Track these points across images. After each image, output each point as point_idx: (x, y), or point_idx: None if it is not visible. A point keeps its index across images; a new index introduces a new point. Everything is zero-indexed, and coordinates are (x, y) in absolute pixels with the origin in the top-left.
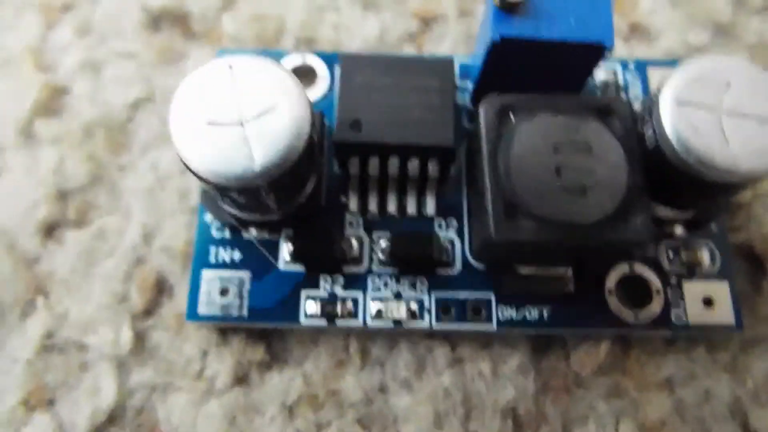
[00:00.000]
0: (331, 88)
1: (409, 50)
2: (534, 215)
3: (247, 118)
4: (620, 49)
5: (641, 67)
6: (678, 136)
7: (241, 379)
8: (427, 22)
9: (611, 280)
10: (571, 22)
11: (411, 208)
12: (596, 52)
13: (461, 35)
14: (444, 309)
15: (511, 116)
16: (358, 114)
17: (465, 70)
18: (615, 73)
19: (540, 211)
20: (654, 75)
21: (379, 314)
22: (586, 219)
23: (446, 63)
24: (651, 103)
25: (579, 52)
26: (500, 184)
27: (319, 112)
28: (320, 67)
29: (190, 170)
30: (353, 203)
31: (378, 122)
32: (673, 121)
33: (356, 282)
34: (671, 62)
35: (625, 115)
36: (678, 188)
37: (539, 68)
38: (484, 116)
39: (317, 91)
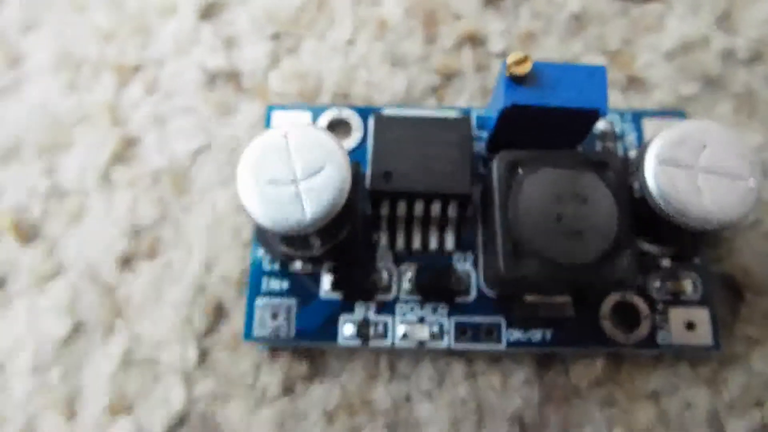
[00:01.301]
0: (364, 139)
1: (431, 103)
2: (537, 255)
3: (299, 178)
4: (618, 100)
5: (636, 118)
6: (659, 190)
7: (288, 390)
8: (448, 77)
9: (605, 307)
10: (572, 92)
11: (433, 244)
12: (593, 116)
13: (478, 88)
14: (461, 331)
15: (519, 170)
16: (389, 166)
17: (481, 121)
18: (612, 124)
19: (542, 251)
20: (648, 125)
21: (405, 336)
22: (581, 259)
23: (464, 121)
24: (638, 159)
25: (578, 116)
26: (509, 228)
27: (355, 162)
28: (354, 120)
29: (255, 221)
30: (384, 240)
31: (406, 173)
32: (655, 177)
33: (386, 308)
34: (664, 113)
35: (617, 169)
36: (662, 231)
37: (544, 128)
38: (496, 170)
39: (352, 141)
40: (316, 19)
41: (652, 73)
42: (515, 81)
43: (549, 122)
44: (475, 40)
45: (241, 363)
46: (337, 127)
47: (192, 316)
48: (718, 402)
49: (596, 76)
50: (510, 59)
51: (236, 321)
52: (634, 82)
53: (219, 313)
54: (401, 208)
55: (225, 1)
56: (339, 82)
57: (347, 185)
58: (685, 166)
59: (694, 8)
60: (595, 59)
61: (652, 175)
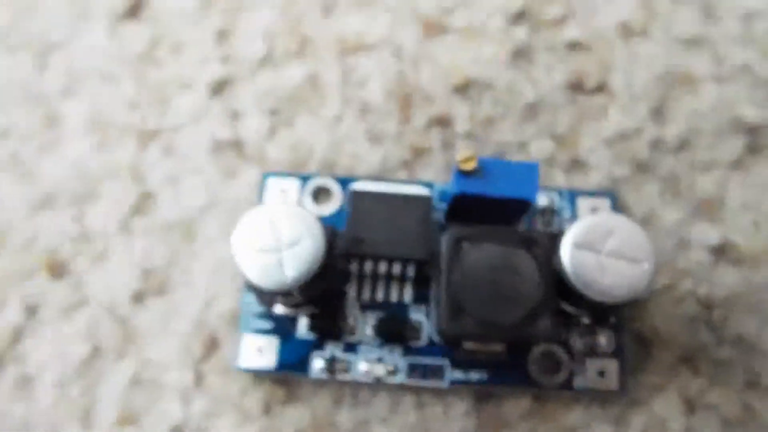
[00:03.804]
0: (343, 205)
1: (402, 175)
2: (473, 316)
3: (282, 248)
4: (561, 179)
5: (572, 196)
6: (571, 269)
7: (267, 410)
8: (418, 152)
9: (533, 355)
10: (510, 184)
11: (393, 297)
12: (525, 204)
13: (443, 164)
14: (412, 369)
15: (463, 243)
16: (361, 233)
17: (443, 194)
18: (553, 201)
19: (478, 313)
20: (581, 203)
21: (366, 372)
22: (508, 320)
23: (425, 199)
24: (559, 240)
25: (513, 203)
26: (451, 291)
27: (331, 226)
28: (335, 189)
29: (247, 281)
30: (353, 292)
31: (373, 239)
32: (570, 257)
33: (351, 348)
34: (595, 192)
35: (545, 245)
36: (578, 299)
37: (488, 210)
38: (444, 244)
39: (333, 206)
40: (310, 98)
41: (593, 156)
42: (464, 174)
43: (491, 206)
44: (443, 122)
45: (230, 387)
46: (321, 193)
47: (192, 346)
48: None
49: (530, 171)
50: (459, 157)
51: (229, 353)
52: (577, 164)
53: (214, 345)
54: (368, 267)
55: (233, 80)
56: (326, 153)
57: (321, 254)
58: (594, 249)
59: (634, 101)
60: (545, 142)
61: (567, 255)
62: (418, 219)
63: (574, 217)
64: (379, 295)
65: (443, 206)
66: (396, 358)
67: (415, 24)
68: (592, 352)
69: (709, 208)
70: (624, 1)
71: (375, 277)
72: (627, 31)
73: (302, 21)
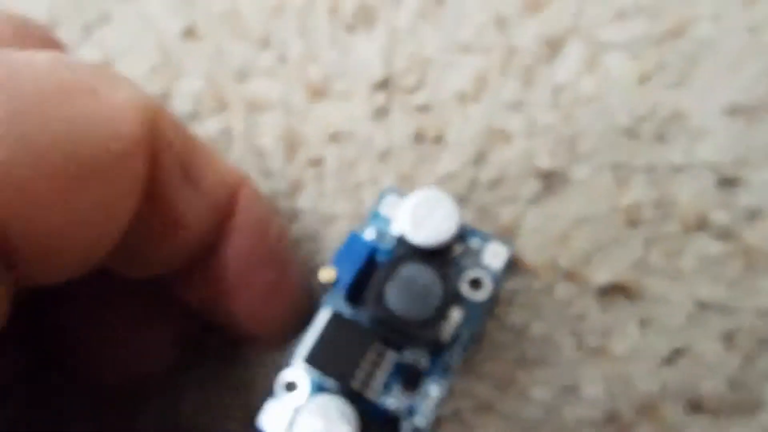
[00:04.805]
0: None
1: (285, 201)
2: None
3: None
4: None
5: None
6: None
7: None
8: (297, 185)
9: None
10: (352, 260)
11: None
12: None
13: (316, 192)
14: None
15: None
16: None
17: None
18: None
19: None
20: None
21: None
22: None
23: None
24: None
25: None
26: None
27: None
28: None
29: None
30: None
31: None
32: None
33: None
34: None
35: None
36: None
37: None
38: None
39: None
40: (221, 145)
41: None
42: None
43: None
44: (317, 162)
45: None
46: None
47: None
48: None
49: (355, 240)
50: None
51: None
52: None
53: None
54: None
55: None
56: None
57: None
58: None
59: (461, 150)
60: (391, 180)
61: None
62: None
63: None
64: None
65: None
66: None
67: (304, 89)
68: None
69: (507, 233)
70: (463, 74)
71: None
72: (463, 98)
73: (223, 86)
